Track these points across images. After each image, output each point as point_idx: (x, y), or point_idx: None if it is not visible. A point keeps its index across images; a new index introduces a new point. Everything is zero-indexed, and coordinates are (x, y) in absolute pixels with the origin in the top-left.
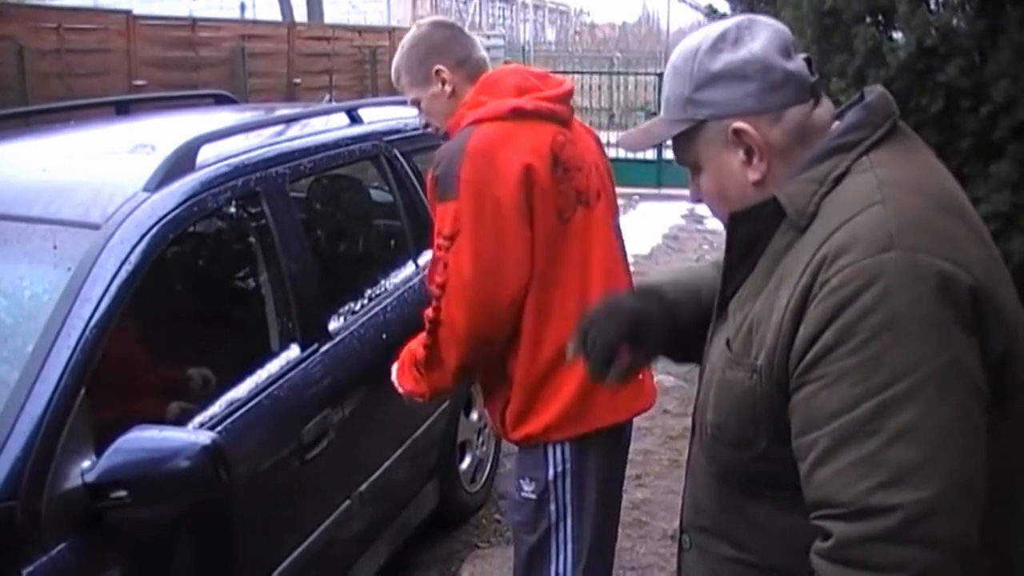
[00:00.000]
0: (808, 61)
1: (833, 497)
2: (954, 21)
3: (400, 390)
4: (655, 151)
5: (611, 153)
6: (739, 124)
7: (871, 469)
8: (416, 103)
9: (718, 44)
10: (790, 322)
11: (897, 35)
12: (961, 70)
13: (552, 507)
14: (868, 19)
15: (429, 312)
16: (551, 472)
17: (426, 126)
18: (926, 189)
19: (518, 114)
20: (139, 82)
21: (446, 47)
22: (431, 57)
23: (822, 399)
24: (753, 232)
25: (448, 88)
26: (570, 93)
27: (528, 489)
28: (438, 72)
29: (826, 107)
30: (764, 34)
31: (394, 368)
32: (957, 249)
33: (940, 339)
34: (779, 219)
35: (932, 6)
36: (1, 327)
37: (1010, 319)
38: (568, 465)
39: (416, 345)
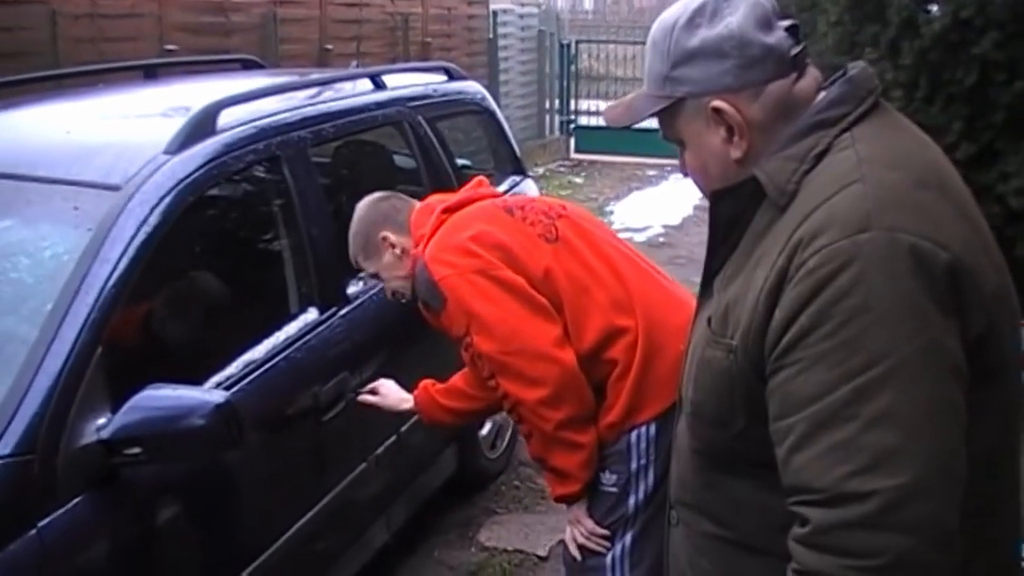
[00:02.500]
0: (793, 29)
1: (810, 483)
2: None
3: (561, 496)
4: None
5: (645, 124)
6: (717, 102)
7: (848, 455)
8: (377, 276)
9: (695, 19)
10: (765, 303)
11: (932, 7)
12: (996, 43)
13: (631, 500)
14: None
15: (507, 408)
16: (634, 464)
17: (394, 294)
18: (907, 164)
19: (449, 211)
20: (170, 47)
21: (385, 217)
22: (375, 229)
23: (799, 383)
24: (734, 210)
25: (398, 251)
26: (483, 184)
27: (610, 482)
28: (384, 239)
29: (811, 78)
30: (743, 7)
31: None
32: (935, 226)
33: (917, 321)
34: (760, 197)
35: None
36: (22, 286)
37: (990, 295)
38: (649, 459)
39: (538, 453)
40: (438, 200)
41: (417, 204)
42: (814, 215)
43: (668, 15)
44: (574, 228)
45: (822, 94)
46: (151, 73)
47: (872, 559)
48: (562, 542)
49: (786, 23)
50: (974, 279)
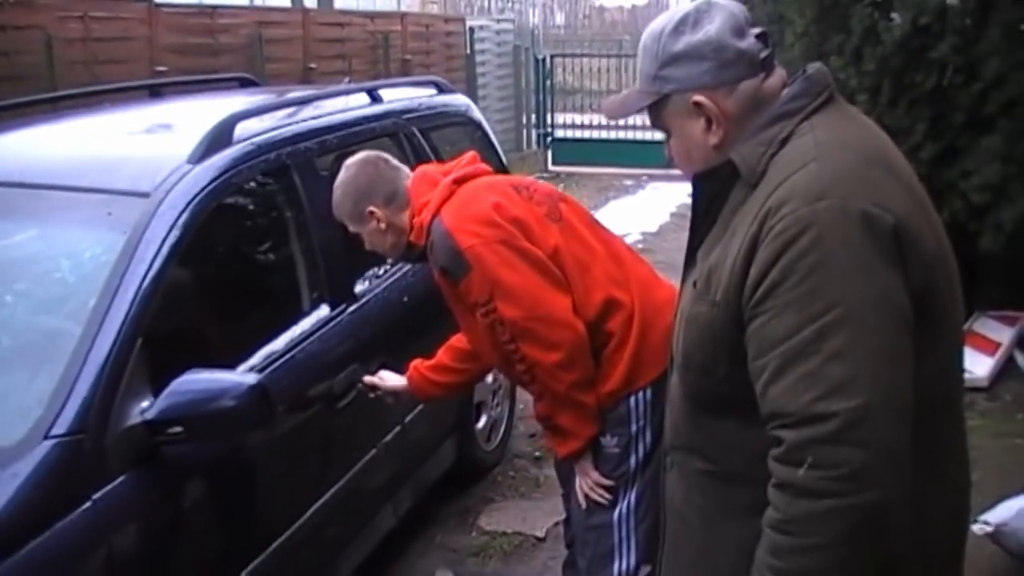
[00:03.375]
0: (763, 36)
1: (783, 408)
2: (947, 0)
3: (567, 454)
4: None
5: (621, 135)
6: (698, 97)
7: (812, 383)
8: (359, 235)
9: (679, 27)
10: (742, 264)
11: (894, 15)
12: (954, 47)
13: (632, 459)
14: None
15: (521, 371)
16: (634, 427)
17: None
18: (857, 146)
19: (458, 182)
20: (161, 68)
21: (372, 188)
22: (361, 200)
23: (771, 328)
24: (714, 190)
25: (383, 225)
26: (476, 157)
27: (611, 444)
28: (371, 213)
29: (777, 76)
30: (719, 17)
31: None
32: (882, 195)
33: (867, 273)
34: (735, 178)
35: None
36: (65, 285)
37: (930, 255)
38: (646, 420)
39: (547, 412)
40: (437, 170)
41: (409, 171)
42: (779, 189)
43: (657, 24)
44: (575, 211)
45: (786, 90)
46: (156, 92)
47: (835, 470)
48: (559, 522)
49: (756, 30)
50: (914, 241)
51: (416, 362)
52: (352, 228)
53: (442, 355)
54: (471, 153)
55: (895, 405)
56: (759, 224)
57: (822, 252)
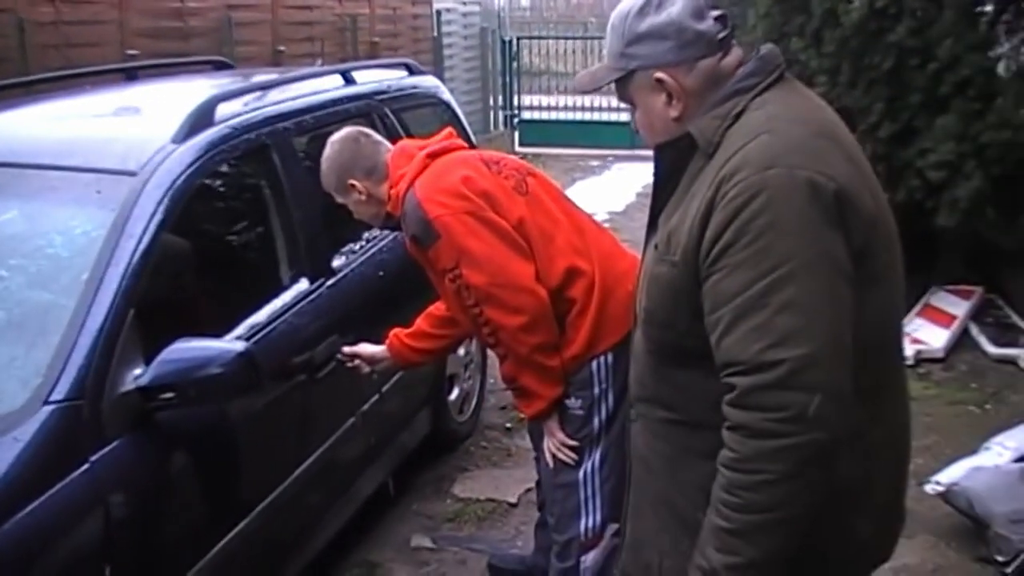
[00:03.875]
0: (722, 18)
1: (735, 357)
2: None
3: (532, 414)
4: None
5: (587, 116)
6: (660, 74)
7: (762, 334)
8: (344, 206)
9: (644, 8)
10: (698, 226)
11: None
12: (910, 30)
13: (596, 420)
14: None
15: (486, 333)
16: (596, 390)
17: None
18: (805, 120)
19: (432, 156)
20: (132, 52)
21: (353, 162)
22: (344, 173)
23: (725, 284)
24: (674, 159)
25: (364, 196)
26: (452, 133)
27: (576, 406)
28: (352, 185)
29: (734, 56)
30: (681, 1)
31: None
32: (827, 164)
33: (812, 234)
34: (694, 149)
35: None
36: (59, 260)
37: (868, 218)
38: (608, 383)
39: (511, 373)
40: (414, 145)
41: (389, 146)
42: (733, 158)
43: (624, 5)
44: (542, 185)
45: (741, 68)
46: (132, 75)
47: (782, 412)
48: (530, 488)
49: (716, 13)
50: (855, 205)
51: (395, 331)
52: (338, 199)
53: (421, 322)
54: (448, 129)
55: (838, 352)
56: (714, 190)
57: (771, 215)
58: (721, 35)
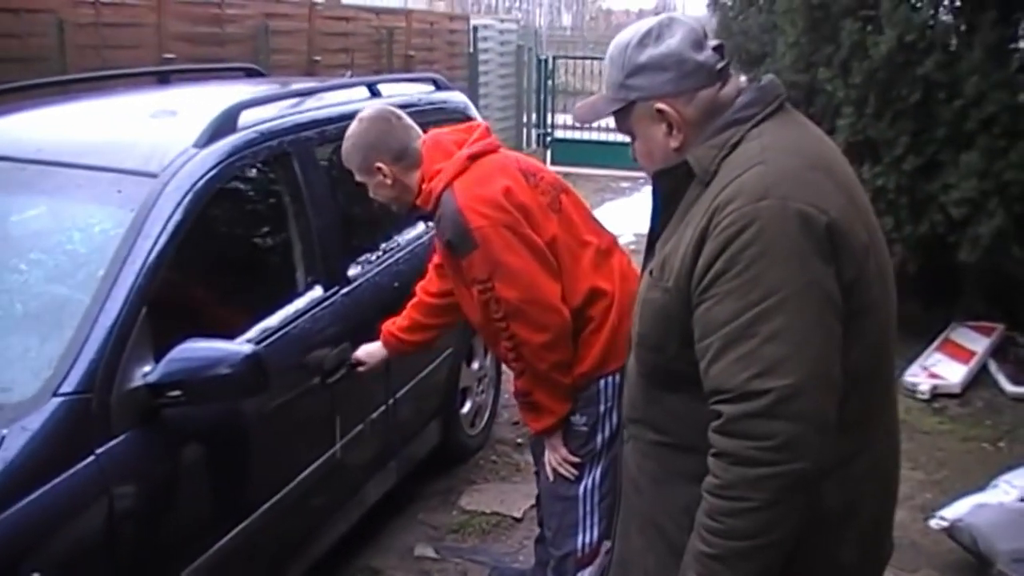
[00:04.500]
0: (719, 48)
1: (723, 385)
2: (931, 19)
3: (540, 429)
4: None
5: (619, 138)
6: (660, 105)
7: (750, 363)
8: (364, 186)
9: (644, 40)
10: (692, 254)
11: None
12: (938, 64)
13: (599, 438)
14: (855, 14)
15: (507, 347)
16: (602, 407)
17: (379, 204)
18: (800, 151)
19: (473, 159)
20: (168, 55)
21: (382, 143)
22: (370, 154)
23: (715, 312)
24: (671, 187)
25: (389, 180)
26: (488, 130)
27: (580, 422)
28: (379, 168)
29: (732, 85)
30: (680, 32)
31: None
32: (820, 197)
33: (802, 265)
34: (691, 177)
35: (914, 3)
36: (76, 256)
37: (861, 250)
38: (614, 402)
39: (526, 388)
40: (450, 140)
41: (420, 132)
42: (728, 188)
43: (623, 37)
44: (574, 204)
45: (740, 98)
46: (164, 79)
47: (766, 441)
48: (535, 504)
49: (714, 43)
50: (847, 237)
51: (386, 325)
52: (358, 178)
53: (413, 312)
54: (484, 125)
55: (824, 383)
56: (708, 219)
57: (762, 245)
58: (719, 65)
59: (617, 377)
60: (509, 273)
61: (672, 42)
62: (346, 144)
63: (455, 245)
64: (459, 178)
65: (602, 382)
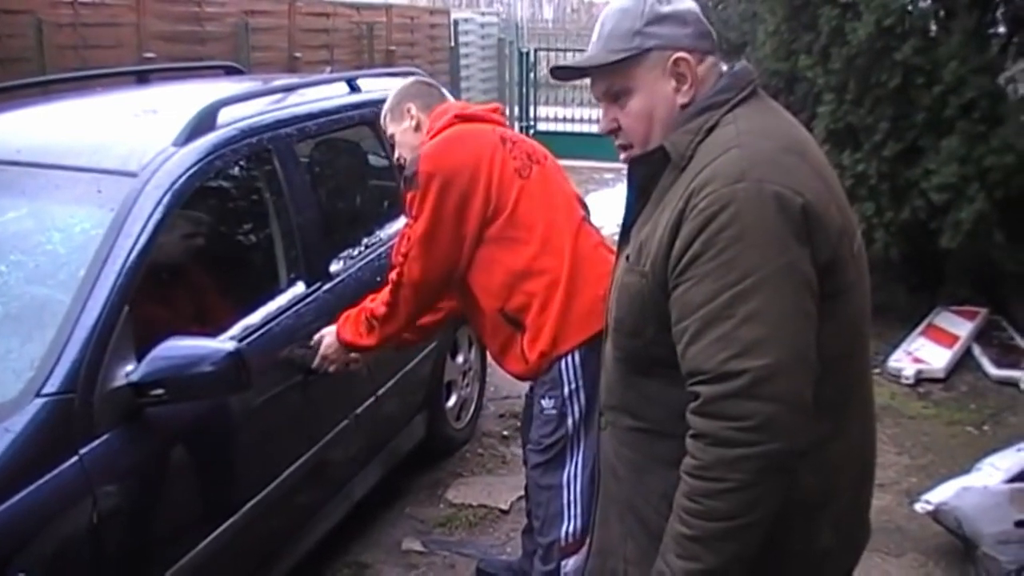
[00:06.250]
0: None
1: (700, 367)
2: (909, 4)
3: (334, 341)
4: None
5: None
6: (681, 54)
7: (727, 344)
8: (392, 138)
9: None
10: (668, 238)
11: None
12: (916, 49)
13: (570, 420)
14: (833, 1)
15: (393, 275)
16: (566, 389)
17: (398, 159)
18: (775, 135)
19: (461, 119)
20: (148, 55)
21: (418, 93)
22: (405, 99)
23: (691, 294)
24: (647, 173)
25: (414, 123)
26: (499, 110)
27: (549, 406)
28: (408, 110)
29: (720, 67)
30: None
31: (338, 324)
32: (794, 179)
33: (778, 246)
34: (666, 162)
35: None
36: (57, 256)
37: (835, 232)
38: (580, 382)
39: (376, 303)
40: (457, 105)
41: (449, 101)
42: (703, 172)
43: None
44: (544, 176)
45: (715, 83)
46: (144, 78)
47: (743, 421)
48: (523, 496)
49: None
50: (822, 220)
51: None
52: (388, 130)
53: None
54: (497, 104)
55: (800, 364)
56: (684, 202)
57: (738, 227)
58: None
59: (576, 357)
60: (427, 216)
61: (690, 3)
62: (386, 104)
63: (407, 179)
64: (442, 132)
65: (562, 363)
